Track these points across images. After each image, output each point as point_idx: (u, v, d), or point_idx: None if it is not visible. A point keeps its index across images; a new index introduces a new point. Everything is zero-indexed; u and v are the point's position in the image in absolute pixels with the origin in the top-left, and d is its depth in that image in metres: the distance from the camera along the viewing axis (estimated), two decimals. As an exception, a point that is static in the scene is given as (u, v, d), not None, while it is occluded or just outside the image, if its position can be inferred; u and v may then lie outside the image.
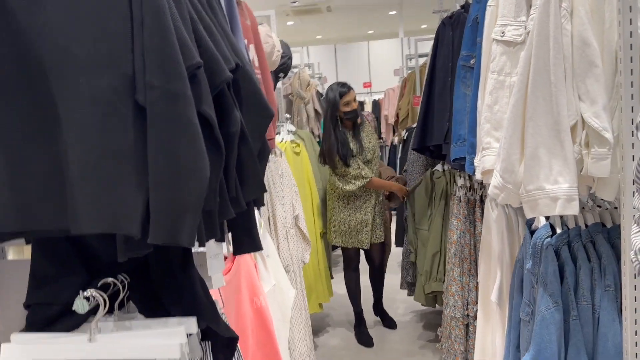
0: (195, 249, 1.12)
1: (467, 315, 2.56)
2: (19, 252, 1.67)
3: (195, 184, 0.84)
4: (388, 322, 3.65)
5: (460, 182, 2.62)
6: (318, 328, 3.71)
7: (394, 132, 6.44)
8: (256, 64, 2.06)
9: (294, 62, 5.02)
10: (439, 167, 3.16)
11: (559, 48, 1.23)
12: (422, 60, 4.57)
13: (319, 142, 3.98)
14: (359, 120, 3.33)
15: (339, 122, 3.23)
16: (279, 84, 3.80)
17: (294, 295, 2.32)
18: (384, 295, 3.74)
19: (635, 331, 1.18)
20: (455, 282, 2.58)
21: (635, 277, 1.15)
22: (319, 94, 4.95)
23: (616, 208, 1.45)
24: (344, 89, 3.21)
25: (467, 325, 2.58)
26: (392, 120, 6.55)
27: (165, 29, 0.83)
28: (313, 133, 4.47)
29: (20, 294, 1.02)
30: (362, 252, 3.52)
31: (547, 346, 1.31)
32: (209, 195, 0.90)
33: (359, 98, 8.54)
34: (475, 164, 1.67)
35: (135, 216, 0.84)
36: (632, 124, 1.11)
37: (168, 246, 0.89)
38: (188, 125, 0.83)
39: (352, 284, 3.53)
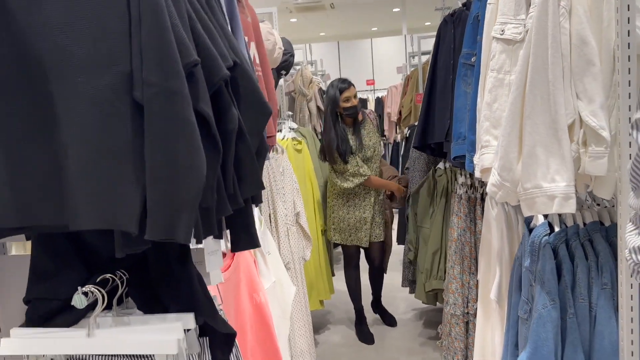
0: (194, 245, 1.13)
1: (467, 313, 2.57)
2: (21, 248, 1.68)
3: (192, 181, 0.84)
4: (388, 320, 3.66)
5: (461, 179, 2.62)
6: (319, 325, 3.73)
7: (396, 130, 6.44)
8: (257, 61, 2.07)
9: (297, 59, 5.02)
10: (441, 165, 3.16)
11: (557, 46, 1.23)
12: (425, 58, 4.56)
13: (320, 140, 3.99)
14: (360, 118, 3.33)
15: (339, 118, 3.24)
16: (281, 81, 3.80)
17: (294, 292, 2.33)
18: (385, 293, 3.75)
19: (631, 329, 1.19)
20: (455, 279, 2.58)
21: (631, 276, 1.15)
22: (321, 92, 4.95)
23: (614, 206, 1.45)
24: (344, 84, 3.22)
25: (467, 323, 2.58)
26: (394, 118, 6.55)
27: (163, 27, 0.84)
28: (315, 130, 4.47)
29: (20, 289, 1.03)
30: (362, 251, 3.52)
31: (543, 344, 1.31)
32: (206, 192, 0.91)
33: (362, 95, 8.58)
34: (475, 162, 1.67)
35: (133, 213, 0.85)
36: (629, 122, 1.11)
37: (166, 242, 0.90)
38: (185, 122, 0.84)
39: (352, 281, 3.53)
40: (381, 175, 3.45)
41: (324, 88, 5.28)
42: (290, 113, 3.70)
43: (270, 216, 2.70)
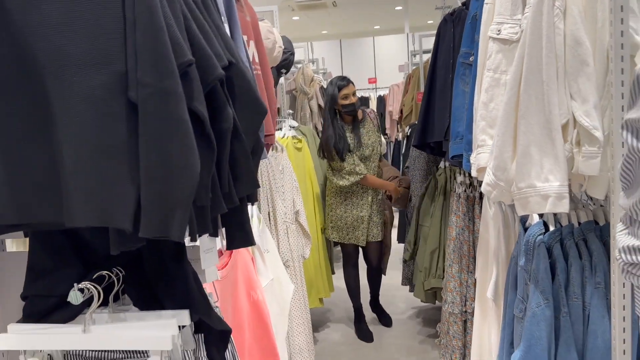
0: (190, 243, 1.15)
1: (465, 311, 2.58)
2: (20, 245, 1.70)
3: (186, 180, 0.85)
4: (384, 320, 3.65)
5: (460, 178, 2.63)
6: (319, 323, 3.74)
7: (398, 129, 6.45)
8: (256, 60, 2.07)
9: (298, 57, 5.03)
10: (441, 164, 3.16)
11: (551, 47, 1.24)
12: (426, 57, 4.56)
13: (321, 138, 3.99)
14: (359, 116, 3.34)
15: (337, 116, 3.25)
16: (282, 80, 3.81)
17: (293, 290, 2.34)
18: (385, 291, 3.76)
19: (623, 328, 1.19)
20: (453, 278, 2.59)
21: (622, 275, 1.16)
22: (322, 90, 4.95)
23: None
24: (343, 82, 3.23)
25: (465, 322, 2.59)
26: (396, 116, 6.55)
27: (158, 28, 0.85)
28: (316, 129, 4.47)
29: (18, 285, 1.05)
30: (360, 250, 3.53)
31: (537, 342, 1.32)
32: (200, 191, 0.92)
33: (364, 94, 8.57)
34: (471, 161, 1.68)
35: (127, 210, 0.86)
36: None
37: (161, 240, 0.91)
38: (179, 122, 0.85)
39: (351, 280, 3.54)
40: (381, 175, 3.44)
41: (325, 86, 5.28)
42: (290, 111, 3.71)
43: (269, 214, 2.71)
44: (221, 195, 1.00)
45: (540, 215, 1.48)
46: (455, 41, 2.58)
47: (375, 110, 4.19)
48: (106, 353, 1.03)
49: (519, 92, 1.30)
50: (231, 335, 1.22)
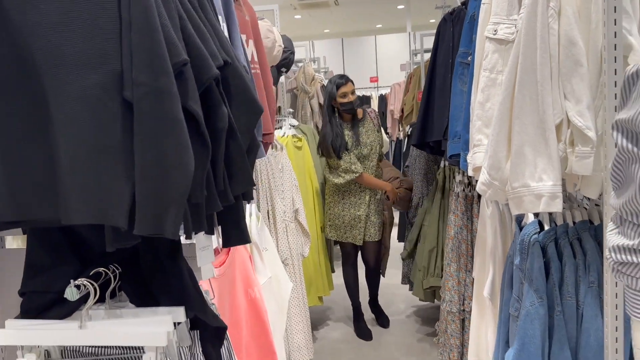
0: (185, 240, 1.16)
1: (463, 310, 2.59)
2: (20, 242, 1.71)
3: (180, 178, 0.87)
4: (381, 321, 3.64)
5: (458, 178, 2.63)
6: (318, 321, 3.75)
7: (399, 127, 6.45)
8: (255, 59, 2.08)
9: (300, 56, 5.03)
10: (442, 163, 3.17)
11: (545, 47, 1.24)
12: (427, 56, 4.56)
13: (321, 136, 4.00)
14: (359, 115, 3.35)
15: (335, 114, 3.26)
16: (282, 79, 3.82)
17: (291, 288, 2.35)
18: (385, 290, 3.76)
19: (616, 327, 1.20)
20: (452, 277, 2.60)
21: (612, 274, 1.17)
22: (323, 89, 4.96)
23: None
24: (341, 80, 3.24)
25: (463, 320, 2.60)
26: (397, 115, 6.56)
27: (153, 28, 0.86)
28: (317, 127, 4.48)
29: (17, 282, 1.06)
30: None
31: (531, 341, 1.33)
32: (195, 189, 0.93)
33: (366, 93, 8.56)
34: (468, 161, 1.69)
35: (123, 208, 0.87)
36: (615, 123, 1.12)
37: (157, 237, 0.93)
38: (173, 121, 0.86)
39: (349, 278, 3.55)
40: (381, 174, 3.44)
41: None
42: (291, 110, 3.71)
43: (268, 213, 2.73)
44: (216, 193, 1.02)
45: (536, 215, 1.49)
46: (454, 40, 2.59)
47: (377, 109, 4.20)
48: (102, 349, 1.04)
49: (513, 92, 1.31)
50: (227, 332, 1.23)
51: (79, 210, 0.88)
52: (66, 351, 1.05)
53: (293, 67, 4.26)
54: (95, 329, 1.00)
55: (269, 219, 2.73)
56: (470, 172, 1.67)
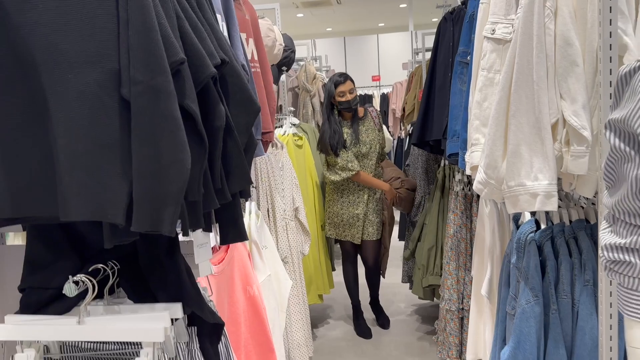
0: (183, 238, 1.17)
1: (462, 308, 2.60)
2: (21, 238, 1.73)
3: (176, 175, 0.88)
4: (381, 321, 3.63)
5: (458, 176, 2.64)
6: (319, 319, 3.76)
7: (401, 126, 6.46)
8: (255, 58, 2.09)
9: (302, 54, 5.04)
10: (442, 162, 3.17)
11: (541, 47, 1.25)
12: (429, 55, 4.56)
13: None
14: (361, 114, 3.35)
15: (334, 111, 3.28)
16: (283, 77, 3.83)
17: (291, 286, 2.36)
18: (385, 288, 3.77)
19: (610, 325, 1.21)
20: (451, 275, 2.61)
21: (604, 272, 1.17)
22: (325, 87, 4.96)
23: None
24: (340, 78, 3.26)
25: (462, 319, 2.61)
26: (399, 114, 6.56)
27: (150, 27, 0.87)
28: (318, 126, 4.48)
29: (17, 278, 1.07)
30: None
31: (526, 339, 1.34)
32: (192, 187, 0.94)
33: (368, 91, 8.56)
34: (466, 160, 1.70)
35: (120, 205, 0.88)
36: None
37: (155, 235, 0.94)
38: (170, 119, 0.87)
39: (349, 277, 3.56)
40: (381, 174, 3.44)
41: (327, 83, 5.28)
42: (292, 108, 3.73)
43: (268, 211, 2.74)
44: (214, 191, 1.02)
45: (533, 214, 1.50)
46: (454, 40, 2.59)
47: (379, 108, 4.20)
48: (100, 344, 1.05)
49: (509, 92, 1.32)
50: (225, 329, 1.24)
51: (77, 207, 0.89)
52: (65, 346, 1.06)
53: (294, 66, 4.27)
54: (94, 324, 1.01)
55: (269, 217, 2.74)
56: (468, 171, 1.68)
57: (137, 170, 0.87)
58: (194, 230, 1.09)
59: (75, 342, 1.06)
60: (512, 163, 1.31)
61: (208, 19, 1.10)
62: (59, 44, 0.87)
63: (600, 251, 0.96)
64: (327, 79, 3.72)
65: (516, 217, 1.58)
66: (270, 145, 2.74)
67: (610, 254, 0.93)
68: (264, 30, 2.47)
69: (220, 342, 1.23)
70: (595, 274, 1.33)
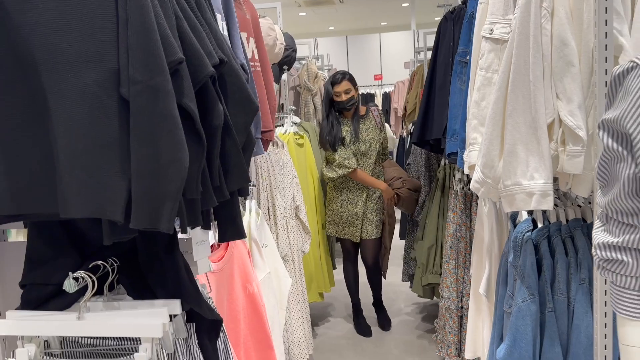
0: (182, 235, 1.18)
1: (461, 307, 2.61)
2: (23, 235, 1.74)
3: (175, 174, 0.89)
4: (382, 322, 3.61)
5: (457, 176, 2.65)
6: (319, 317, 3.78)
7: (402, 125, 6.46)
8: (256, 57, 2.11)
9: (304, 53, 5.04)
10: (443, 161, 3.17)
11: (538, 47, 1.26)
12: (430, 54, 4.56)
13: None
14: (362, 112, 3.36)
15: (332, 109, 3.29)
16: (284, 76, 3.84)
17: (291, 284, 2.38)
18: (384, 288, 3.77)
19: (605, 323, 1.22)
20: (450, 274, 2.62)
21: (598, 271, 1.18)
22: (326, 86, 4.96)
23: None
24: (337, 77, 3.27)
25: (461, 317, 2.62)
26: (401, 113, 6.56)
27: (149, 27, 0.88)
28: (320, 125, 4.50)
29: (18, 274, 1.09)
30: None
31: (522, 337, 1.35)
32: (190, 185, 0.95)
33: (370, 90, 8.55)
34: (464, 159, 1.71)
35: (119, 202, 0.90)
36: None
37: (154, 232, 0.95)
38: (168, 117, 0.88)
39: (349, 275, 3.57)
40: (381, 173, 3.44)
41: (329, 82, 5.28)
42: (293, 107, 3.74)
43: (268, 209, 2.75)
44: (212, 189, 1.04)
45: (530, 213, 1.51)
46: (454, 39, 2.60)
47: (381, 107, 4.21)
48: (100, 340, 1.07)
49: (506, 92, 1.33)
50: (224, 326, 1.26)
51: (77, 205, 0.91)
52: (65, 342, 1.08)
53: (296, 64, 4.28)
54: (93, 320, 1.03)
55: (269, 215, 2.75)
56: (466, 170, 1.69)
57: (136, 169, 0.88)
58: (192, 228, 1.10)
59: (75, 337, 1.07)
60: (509, 162, 1.32)
61: (207, 19, 1.11)
62: (58, 44, 0.89)
63: (593, 250, 0.97)
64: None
65: (514, 216, 1.59)
66: (270, 144, 2.75)
67: (603, 253, 0.94)
68: (264, 29, 2.49)
69: (219, 339, 1.25)
70: (591, 272, 1.34)
